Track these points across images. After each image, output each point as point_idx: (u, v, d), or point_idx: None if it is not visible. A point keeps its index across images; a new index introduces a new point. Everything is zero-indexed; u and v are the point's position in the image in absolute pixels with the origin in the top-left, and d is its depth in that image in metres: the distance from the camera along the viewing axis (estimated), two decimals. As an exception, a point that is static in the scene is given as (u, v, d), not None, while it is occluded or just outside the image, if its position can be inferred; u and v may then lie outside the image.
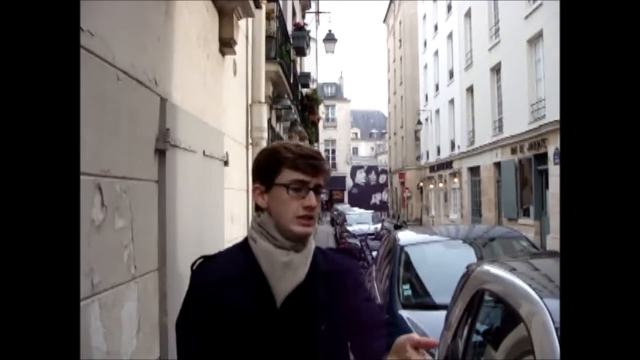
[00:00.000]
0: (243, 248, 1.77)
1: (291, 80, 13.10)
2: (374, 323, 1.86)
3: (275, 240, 1.71)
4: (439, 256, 6.42)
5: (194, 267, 1.76)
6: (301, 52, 15.81)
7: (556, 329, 1.99)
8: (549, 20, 18.21)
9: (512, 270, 2.94)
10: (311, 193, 1.71)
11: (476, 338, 3.03)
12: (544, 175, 19.63)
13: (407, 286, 5.78)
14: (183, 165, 3.62)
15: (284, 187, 1.71)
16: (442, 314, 4.13)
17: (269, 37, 9.05)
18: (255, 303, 1.66)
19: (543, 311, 2.11)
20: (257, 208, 1.82)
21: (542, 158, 19.60)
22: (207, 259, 1.77)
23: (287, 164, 1.72)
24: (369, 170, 70.07)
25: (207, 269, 1.73)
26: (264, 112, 7.30)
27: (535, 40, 20.36)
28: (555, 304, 2.20)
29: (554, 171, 18.11)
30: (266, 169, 1.77)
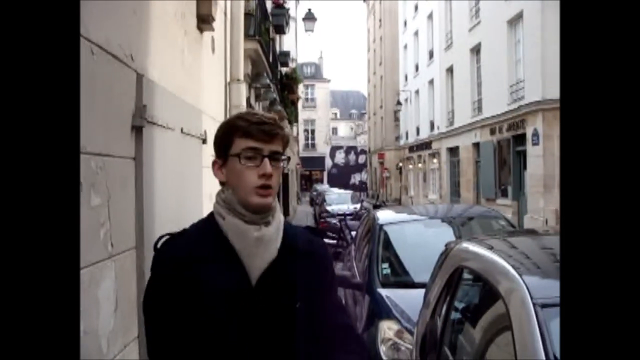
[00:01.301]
0: (210, 225, 1.69)
1: (270, 59, 13.00)
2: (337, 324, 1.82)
3: (244, 216, 1.64)
4: (418, 235, 6.44)
5: (159, 245, 1.68)
6: (280, 30, 15.68)
7: (534, 305, 1.99)
8: (529, 2, 18.23)
9: (491, 248, 2.95)
10: (266, 160, 1.63)
11: (455, 315, 3.04)
12: (522, 156, 19.78)
13: (386, 265, 5.79)
14: (160, 143, 3.57)
15: (237, 156, 1.64)
16: (421, 292, 4.15)
17: (247, 15, 8.95)
18: (229, 281, 1.61)
19: (521, 288, 2.12)
20: (220, 184, 1.75)
21: (520, 139, 19.74)
22: (173, 237, 1.69)
23: (239, 132, 1.64)
24: (348, 150, 70.15)
25: (175, 247, 1.66)
26: (242, 90, 7.24)
27: (515, 21, 20.39)
28: (533, 280, 2.21)
29: (532, 152, 18.26)
30: (221, 141, 1.69)
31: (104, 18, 2.68)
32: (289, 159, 1.76)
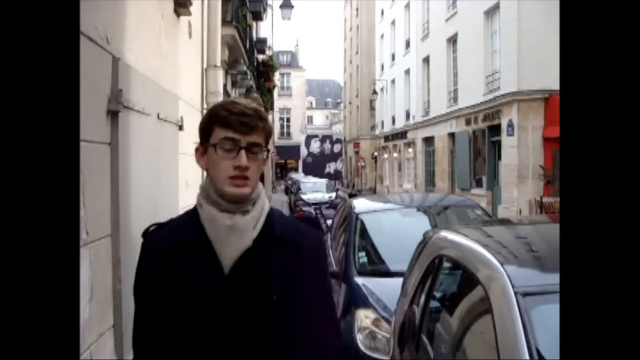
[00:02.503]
0: (193, 214, 1.70)
1: (247, 46, 12.90)
2: (322, 316, 1.78)
3: (220, 205, 1.63)
4: (394, 224, 6.45)
5: (146, 234, 1.71)
6: (258, 16, 15.58)
7: (516, 293, 2.00)
8: (506, -8, 18.33)
9: (468, 237, 2.95)
10: (242, 152, 1.60)
11: (434, 304, 3.05)
12: (497, 146, 19.95)
13: (362, 254, 5.80)
14: (137, 128, 3.51)
15: (214, 146, 1.62)
16: (397, 281, 4.16)
17: (225, 0, 8.84)
18: (203, 269, 1.60)
19: (503, 276, 2.12)
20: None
21: (496, 130, 19.90)
22: (159, 227, 1.72)
23: (219, 122, 1.63)
24: (323, 139, 70.09)
25: (158, 237, 1.68)
26: (219, 77, 7.16)
27: (492, 12, 20.48)
28: (512, 269, 2.22)
29: (507, 143, 18.42)
30: (204, 129, 1.68)
31: (80, -1, 2.61)
32: (269, 151, 1.73)
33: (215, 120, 1.63)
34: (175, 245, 1.63)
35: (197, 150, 1.71)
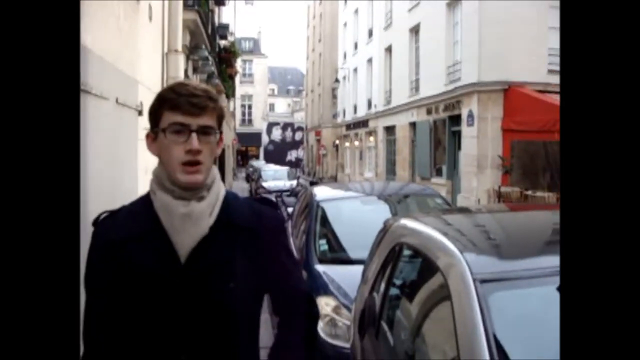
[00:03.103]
0: (146, 202, 1.63)
1: (209, 31, 12.74)
2: (292, 294, 1.79)
3: (173, 192, 1.57)
4: (355, 212, 6.48)
5: (96, 222, 1.64)
6: (220, 1, 15.39)
7: (474, 280, 2.02)
8: (467, -17, 18.49)
9: (428, 224, 2.98)
10: (193, 135, 1.53)
11: (394, 291, 3.07)
12: (457, 136, 20.17)
13: (323, 241, 5.81)
14: (94, 112, 3.43)
15: (163, 131, 1.55)
16: (357, 268, 4.18)
17: (187, -17, 8.72)
18: (158, 260, 1.55)
19: (461, 263, 2.14)
20: None
21: (456, 119, 20.11)
22: (110, 214, 1.65)
23: (167, 105, 1.55)
24: (285, 127, 69.90)
25: (109, 226, 1.61)
26: (180, 61, 7.07)
27: (454, 3, 20.63)
28: (471, 256, 2.25)
29: (466, 132, 18.63)
30: (152, 114, 1.60)
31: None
32: (221, 132, 1.67)
33: (164, 104, 1.56)
34: (128, 234, 1.57)
35: (147, 136, 1.63)
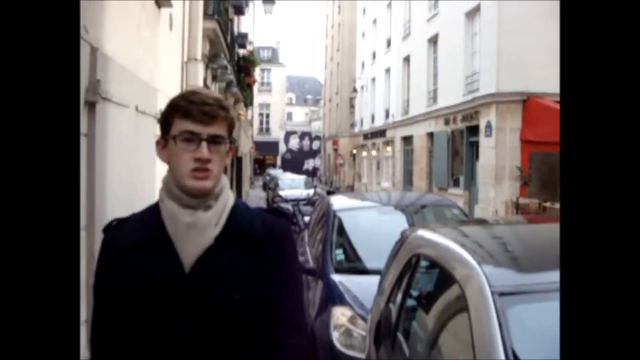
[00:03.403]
0: (154, 209, 1.63)
1: (228, 40, 12.82)
2: (290, 315, 1.69)
3: (180, 200, 1.56)
4: (371, 222, 6.46)
5: (106, 230, 1.65)
6: (239, 10, 15.51)
7: (492, 292, 2.00)
8: (487, -6, 18.45)
9: (445, 236, 2.96)
10: (203, 144, 1.53)
11: (410, 302, 3.05)
12: (475, 147, 20.06)
13: (339, 251, 5.80)
14: (114, 120, 3.46)
15: (174, 139, 1.55)
16: (373, 278, 4.16)
17: (206, -7, 8.79)
18: (163, 268, 1.54)
19: (479, 275, 2.13)
20: None
21: (474, 130, 20.01)
22: (119, 222, 1.65)
23: (179, 113, 1.55)
24: (302, 136, 70.02)
25: (117, 234, 1.62)
26: (199, 70, 7.12)
27: (472, 13, 20.59)
28: (489, 269, 2.22)
29: (484, 143, 18.53)
30: (164, 121, 1.60)
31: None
32: (231, 142, 1.66)
33: (175, 111, 1.56)
34: (135, 242, 1.57)
35: (157, 142, 1.63)
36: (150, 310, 1.54)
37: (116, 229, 1.64)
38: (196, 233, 1.55)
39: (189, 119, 1.53)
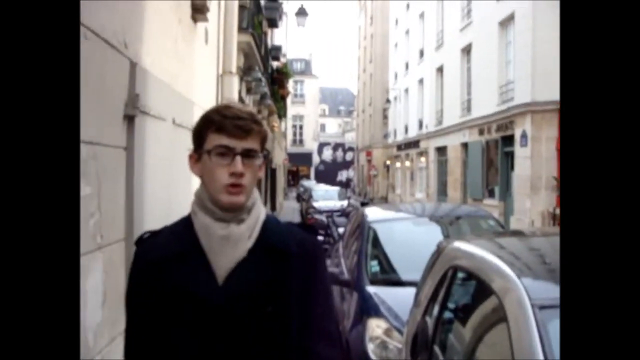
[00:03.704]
0: (187, 222, 1.64)
1: (262, 53, 12.94)
2: (322, 328, 1.70)
3: (214, 213, 1.57)
4: (406, 233, 6.43)
5: (138, 242, 1.65)
6: (273, 23, 15.65)
7: (532, 305, 1.97)
8: (521, 3, 18.27)
9: (482, 247, 2.92)
10: (238, 158, 1.55)
11: (447, 314, 3.02)
12: (510, 157, 19.84)
13: (374, 262, 5.78)
14: (152, 133, 3.52)
15: (208, 153, 1.56)
16: (408, 290, 4.14)
17: (241, 7, 8.90)
18: (196, 281, 1.55)
19: (519, 288, 2.09)
20: None
21: (509, 140, 19.79)
22: (152, 234, 1.66)
23: (213, 127, 1.56)
24: (336, 147, 70.11)
25: (150, 246, 1.62)
26: (234, 83, 7.19)
27: (506, 22, 20.42)
28: (527, 281, 2.19)
29: (520, 153, 18.32)
30: (197, 135, 1.61)
31: (99, 3, 2.62)
32: (265, 156, 1.68)
33: (209, 125, 1.58)
34: (168, 254, 1.58)
35: (190, 156, 1.65)
36: (183, 322, 1.55)
37: (148, 242, 1.65)
38: (229, 246, 1.57)
39: (223, 134, 1.55)
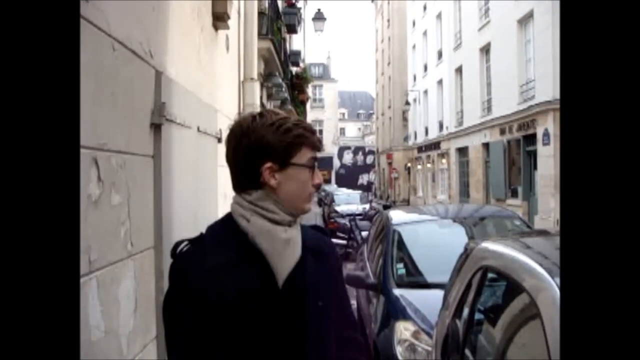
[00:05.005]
0: (229, 228, 1.64)
1: (282, 58, 12.99)
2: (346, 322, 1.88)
3: (275, 215, 1.61)
4: (431, 235, 6.43)
5: (180, 252, 1.63)
6: (292, 29, 15.69)
7: (564, 305, 1.96)
8: (540, 1, 18.15)
9: (511, 247, 2.90)
10: (317, 170, 1.71)
11: (478, 315, 3.01)
12: (532, 156, 19.69)
13: (400, 265, 5.77)
14: (178, 141, 3.55)
15: (305, 167, 1.66)
16: (435, 292, 4.13)
17: (260, 14, 8.95)
18: (256, 285, 1.57)
19: (552, 287, 2.08)
20: (239, 186, 1.68)
21: (531, 139, 19.65)
22: (191, 243, 1.64)
23: (307, 142, 1.67)
24: (356, 150, 70.00)
25: (197, 255, 1.60)
26: (256, 89, 7.22)
27: (525, 20, 20.31)
28: (559, 280, 2.17)
29: (542, 152, 18.17)
30: (281, 147, 1.62)
31: (125, 14, 2.66)
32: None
33: (302, 140, 1.65)
34: (222, 262, 1.57)
35: (269, 168, 1.62)
36: (241, 328, 1.55)
37: (190, 252, 1.63)
38: (291, 248, 1.65)
39: (314, 149, 1.69)
